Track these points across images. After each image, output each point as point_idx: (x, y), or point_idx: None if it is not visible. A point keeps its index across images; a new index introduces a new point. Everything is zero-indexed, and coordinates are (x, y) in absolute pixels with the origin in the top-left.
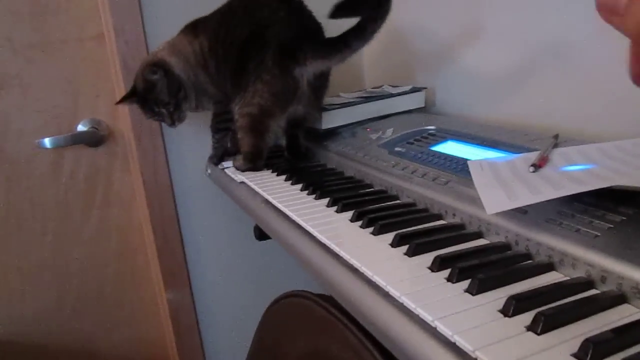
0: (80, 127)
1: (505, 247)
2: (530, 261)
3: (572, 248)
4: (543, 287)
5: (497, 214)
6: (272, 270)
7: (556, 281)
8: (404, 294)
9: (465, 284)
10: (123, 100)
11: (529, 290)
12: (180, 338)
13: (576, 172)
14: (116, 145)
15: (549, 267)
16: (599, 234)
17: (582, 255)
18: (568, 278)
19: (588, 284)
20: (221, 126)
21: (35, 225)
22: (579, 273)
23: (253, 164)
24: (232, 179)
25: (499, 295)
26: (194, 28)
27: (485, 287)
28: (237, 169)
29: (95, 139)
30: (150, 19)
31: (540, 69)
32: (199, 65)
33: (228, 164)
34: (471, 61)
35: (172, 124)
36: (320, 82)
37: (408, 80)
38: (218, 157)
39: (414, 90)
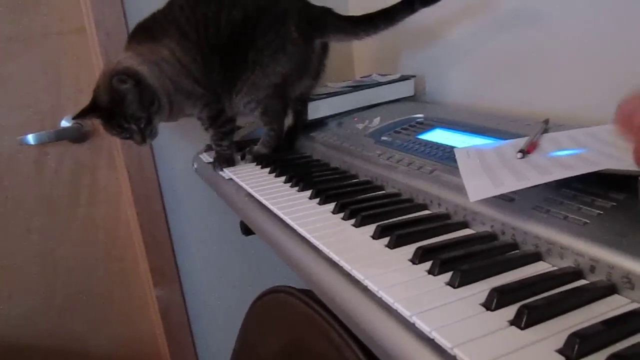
0: (64, 123)
1: (491, 237)
2: (516, 251)
3: (559, 236)
4: (528, 278)
5: (483, 202)
6: (263, 264)
7: (543, 272)
8: (382, 288)
9: (447, 276)
10: (81, 115)
11: (513, 282)
12: (171, 335)
13: (565, 157)
14: (101, 140)
15: (535, 257)
16: (588, 221)
17: (571, 244)
18: (555, 268)
19: (576, 274)
20: (226, 128)
21: (20, 224)
22: (567, 263)
23: (278, 142)
24: (219, 174)
25: (482, 288)
26: (147, 34)
27: (467, 279)
28: (258, 156)
29: (79, 134)
30: (131, 10)
31: (533, 54)
32: (175, 71)
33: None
34: (462, 48)
35: (143, 141)
36: (324, 54)
37: (398, 69)
38: (231, 160)
39: (403, 78)
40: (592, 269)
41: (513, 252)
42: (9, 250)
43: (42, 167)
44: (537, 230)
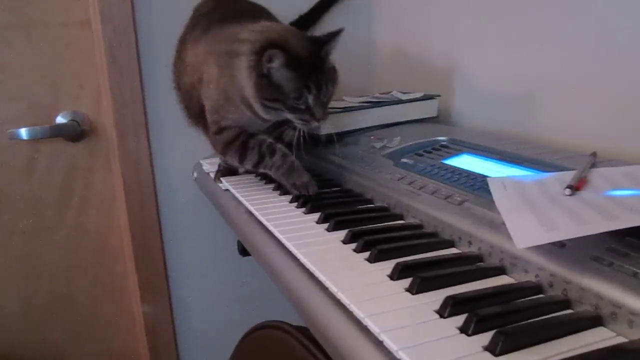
0: (60, 119)
1: (537, 289)
2: (569, 311)
3: (628, 297)
4: (592, 352)
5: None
6: (258, 288)
7: (607, 341)
8: (402, 348)
9: (486, 338)
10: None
11: (572, 357)
12: (155, 355)
13: (626, 198)
14: (98, 141)
15: (595, 321)
16: None
17: None
18: (624, 340)
19: None
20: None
21: (4, 224)
22: (638, 333)
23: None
24: (218, 186)
25: (530, 359)
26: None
27: (511, 345)
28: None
29: (75, 133)
30: (141, 4)
31: (573, 79)
32: None
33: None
34: (493, 68)
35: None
36: None
37: (421, 87)
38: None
39: (426, 97)
40: None
41: (565, 311)
42: None
43: (33, 164)
44: (598, 287)
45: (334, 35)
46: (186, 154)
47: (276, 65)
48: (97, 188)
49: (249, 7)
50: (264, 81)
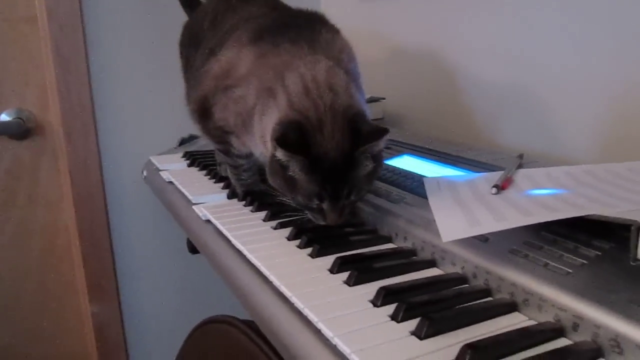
0: (4, 117)
1: (462, 279)
2: (489, 299)
3: (539, 286)
4: (504, 333)
5: (454, 240)
6: (207, 285)
7: (519, 326)
8: (337, 335)
9: (413, 324)
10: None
11: (488, 338)
12: (105, 355)
13: (544, 197)
14: (44, 139)
15: (511, 307)
16: (570, 271)
17: (552, 296)
18: (534, 322)
19: (558, 331)
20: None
21: None
22: (546, 317)
23: None
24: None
25: (452, 342)
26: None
27: (436, 329)
28: None
29: (20, 130)
30: (89, 2)
31: (507, 87)
32: None
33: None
34: (436, 72)
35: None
36: None
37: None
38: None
39: (372, 100)
40: (576, 327)
41: (486, 299)
42: None
43: None
44: (514, 277)
45: (378, 133)
46: (137, 152)
47: (292, 165)
48: (43, 187)
49: (306, 17)
50: (277, 166)
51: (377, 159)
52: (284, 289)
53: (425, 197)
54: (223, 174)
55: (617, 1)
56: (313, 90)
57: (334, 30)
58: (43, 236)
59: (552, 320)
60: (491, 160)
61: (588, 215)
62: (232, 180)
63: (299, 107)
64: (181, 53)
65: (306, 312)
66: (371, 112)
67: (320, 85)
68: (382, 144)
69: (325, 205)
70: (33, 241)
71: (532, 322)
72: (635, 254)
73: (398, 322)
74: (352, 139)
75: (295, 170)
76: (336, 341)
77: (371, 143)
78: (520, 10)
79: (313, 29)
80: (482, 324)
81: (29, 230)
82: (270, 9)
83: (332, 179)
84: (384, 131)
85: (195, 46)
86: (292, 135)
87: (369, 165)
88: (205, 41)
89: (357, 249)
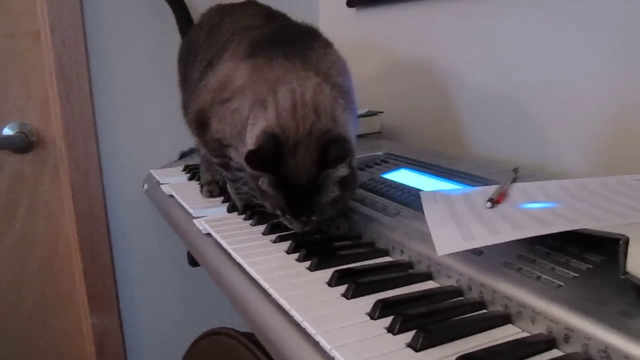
0: (6, 131)
1: (457, 292)
2: (483, 311)
3: (532, 299)
4: (498, 345)
5: (449, 254)
6: (207, 298)
7: (513, 337)
8: (335, 347)
9: (409, 336)
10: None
11: (481, 350)
12: None
13: (537, 210)
14: (46, 152)
15: (505, 319)
16: (562, 284)
17: (544, 308)
18: (527, 334)
19: (549, 342)
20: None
21: None
22: (539, 329)
23: None
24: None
25: (447, 353)
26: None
27: (431, 341)
28: None
29: (22, 144)
30: (91, 18)
31: (505, 101)
32: None
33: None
34: (435, 87)
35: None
36: None
37: (365, 104)
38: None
39: (370, 114)
40: (567, 339)
41: (480, 311)
42: None
43: None
44: (508, 289)
45: (337, 160)
46: (136, 165)
47: (262, 178)
48: (45, 199)
49: (300, 31)
50: (253, 175)
51: (345, 184)
52: (283, 302)
53: (422, 211)
54: (205, 196)
55: (612, 14)
56: (299, 110)
57: (327, 45)
58: (44, 247)
59: (544, 332)
60: (487, 174)
61: (579, 229)
62: (232, 194)
63: (283, 123)
64: (179, 70)
65: (305, 324)
66: (368, 126)
67: (306, 105)
68: (343, 170)
69: (287, 221)
70: (34, 252)
71: (525, 334)
72: (624, 267)
73: (394, 334)
74: (318, 165)
75: (263, 182)
76: (334, 353)
77: (331, 169)
78: (517, 24)
79: (306, 43)
80: (476, 335)
81: (30, 242)
82: (266, 19)
83: (295, 200)
84: (341, 158)
85: (192, 57)
86: (264, 151)
87: (334, 192)
88: (202, 52)
89: (354, 262)
